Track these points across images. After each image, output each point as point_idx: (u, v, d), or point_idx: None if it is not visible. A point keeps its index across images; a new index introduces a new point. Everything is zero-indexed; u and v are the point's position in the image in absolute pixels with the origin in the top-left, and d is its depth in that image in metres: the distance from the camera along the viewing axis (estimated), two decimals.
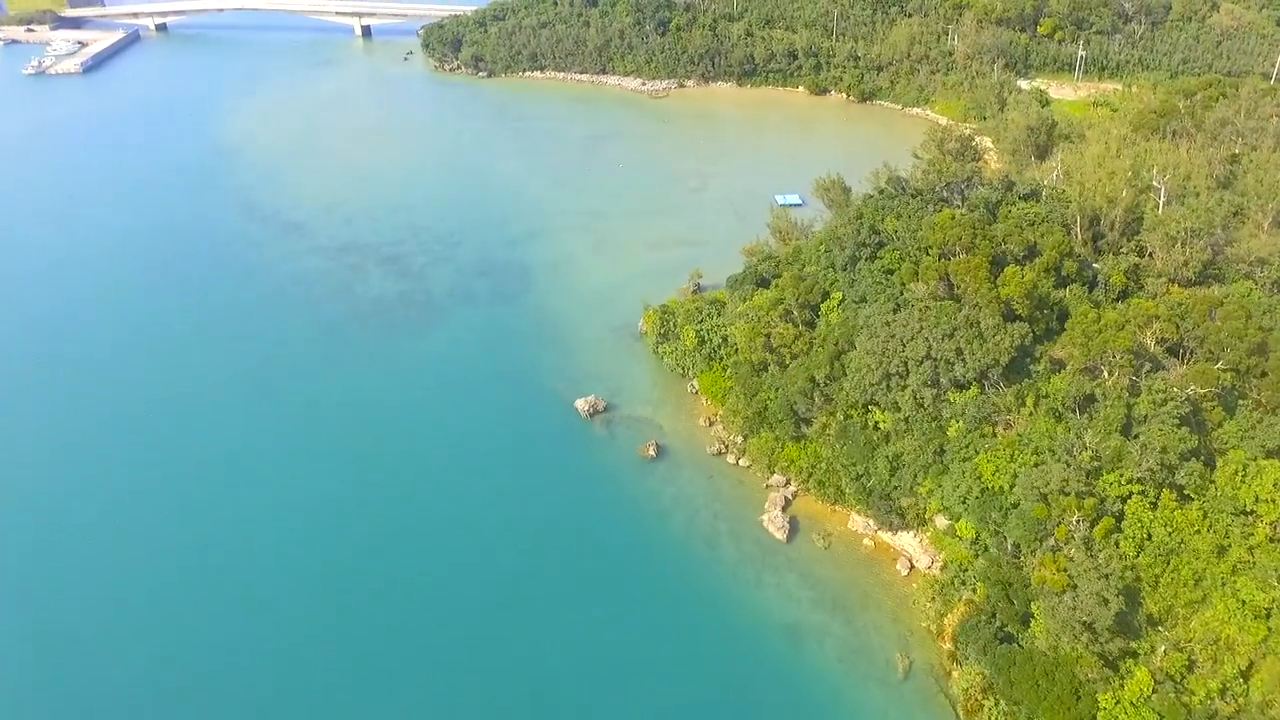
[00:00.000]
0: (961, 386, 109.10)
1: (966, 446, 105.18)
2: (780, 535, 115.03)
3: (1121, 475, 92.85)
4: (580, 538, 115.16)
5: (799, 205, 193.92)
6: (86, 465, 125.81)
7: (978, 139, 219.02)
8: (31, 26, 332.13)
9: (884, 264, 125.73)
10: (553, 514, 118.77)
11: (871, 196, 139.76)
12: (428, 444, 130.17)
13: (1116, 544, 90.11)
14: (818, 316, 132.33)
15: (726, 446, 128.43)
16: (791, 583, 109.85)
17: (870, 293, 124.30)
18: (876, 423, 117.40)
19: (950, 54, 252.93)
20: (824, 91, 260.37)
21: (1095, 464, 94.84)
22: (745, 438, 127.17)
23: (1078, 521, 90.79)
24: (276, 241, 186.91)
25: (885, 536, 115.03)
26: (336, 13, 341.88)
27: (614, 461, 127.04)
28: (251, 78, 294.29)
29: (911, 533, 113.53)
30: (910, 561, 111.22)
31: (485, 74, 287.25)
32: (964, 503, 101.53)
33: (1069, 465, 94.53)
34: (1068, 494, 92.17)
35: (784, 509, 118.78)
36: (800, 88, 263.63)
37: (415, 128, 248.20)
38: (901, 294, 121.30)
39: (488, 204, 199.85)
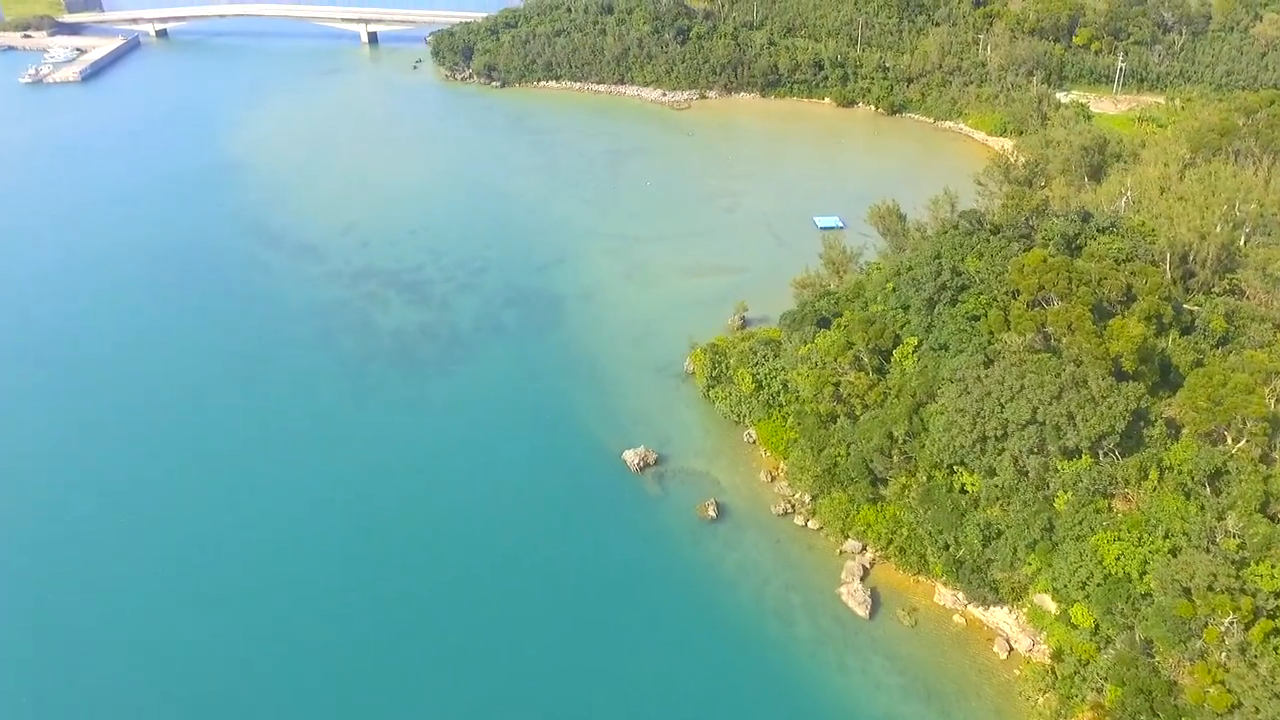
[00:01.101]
0: (1071, 454, 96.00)
1: (1080, 523, 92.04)
2: (861, 610, 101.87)
3: (1275, 567, 79.94)
4: (637, 610, 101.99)
5: (839, 228, 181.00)
6: (89, 524, 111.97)
7: (1015, 156, 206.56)
8: (28, 33, 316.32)
9: (967, 309, 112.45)
10: (604, 582, 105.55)
11: (946, 232, 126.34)
12: (460, 499, 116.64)
13: (1277, 650, 77.21)
14: (888, 363, 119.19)
15: (793, 506, 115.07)
16: (878, 667, 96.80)
17: (953, 340, 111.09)
18: (963, 485, 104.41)
19: (983, 65, 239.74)
20: (851, 103, 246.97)
21: (1241, 553, 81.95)
22: (814, 497, 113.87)
23: (1231, 623, 77.88)
24: (289, 266, 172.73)
25: (977, 612, 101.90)
26: (343, 19, 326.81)
27: (670, 522, 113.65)
28: (256, 87, 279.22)
29: (1006, 609, 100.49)
30: (1008, 643, 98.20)
31: (498, 83, 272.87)
32: (1083, 588, 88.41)
33: (1212, 554, 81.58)
34: (1216, 590, 79.21)
35: (862, 579, 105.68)
36: (826, 99, 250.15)
37: (429, 140, 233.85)
38: (989, 343, 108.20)
39: (511, 225, 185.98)
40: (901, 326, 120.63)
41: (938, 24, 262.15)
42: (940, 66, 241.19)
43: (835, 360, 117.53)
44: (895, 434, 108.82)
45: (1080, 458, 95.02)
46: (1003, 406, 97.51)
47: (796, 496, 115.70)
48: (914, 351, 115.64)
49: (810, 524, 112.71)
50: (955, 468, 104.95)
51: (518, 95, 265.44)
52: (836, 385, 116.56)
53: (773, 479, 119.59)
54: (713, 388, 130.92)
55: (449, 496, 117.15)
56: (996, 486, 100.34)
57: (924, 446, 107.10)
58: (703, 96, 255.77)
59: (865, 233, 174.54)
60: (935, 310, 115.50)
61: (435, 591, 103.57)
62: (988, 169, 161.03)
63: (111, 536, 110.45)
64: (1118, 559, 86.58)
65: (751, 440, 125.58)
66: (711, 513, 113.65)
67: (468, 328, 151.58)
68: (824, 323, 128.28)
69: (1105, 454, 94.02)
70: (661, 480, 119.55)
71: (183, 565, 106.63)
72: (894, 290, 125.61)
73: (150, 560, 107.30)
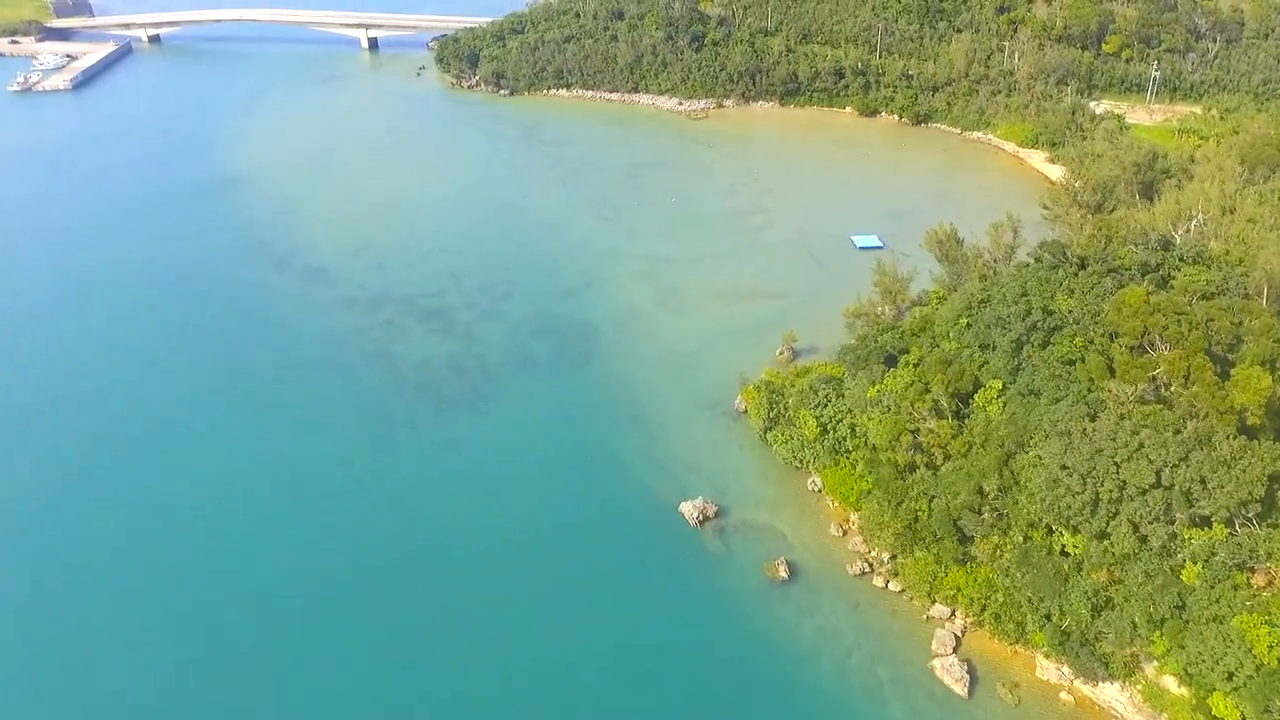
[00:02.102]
0: (1200, 521, 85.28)
1: (1217, 600, 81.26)
2: (959, 687, 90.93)
3: None
4: (705, 685, 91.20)
5: (879, 248, 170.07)
6: (89, 583, 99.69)
7: (1071, 178, 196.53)
8: (16, 38, 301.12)
9: (1061, 352, 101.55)
10: (666, 651, 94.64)
11: (1028, 265, 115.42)
12: (501, 557, 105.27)
13: None
14: (965, 407, 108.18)
15: (871, 565, 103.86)
16: None
17: (1046, 387, 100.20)
18: (1064, 547, 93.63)
19: (1011, 74, 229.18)
20: (874, 113, 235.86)
21: None
22: (894, 556, 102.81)
23: None
24: (298, 291, 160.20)
25: (1084, 689, 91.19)
26: (342, 24, 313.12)
27: (737, 583, 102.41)
28: (254, 95, 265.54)
29: (1117, 685, 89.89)
30: None
31: (507, 92, 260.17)
32: (1230, 679, 77.64)
33: None
34: None
35: (955, 650, 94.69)
36: (848, 108, 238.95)
37: (438, 152, 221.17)
38: (1089, 391, 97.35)
39: (532, 244, 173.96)
40: (980, 367, 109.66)
41: (960, 30, 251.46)
42: (966, 75, 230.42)
43: (912, 406, 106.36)
44: (985, 489, 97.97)
45: (1211, 526, 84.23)
46: (1119, 466, 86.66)
47: (874, 554, 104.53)
48: (998, 396, 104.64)
49: (891, 585, 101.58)
50: (1055, 528, 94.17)
51: (527, 104, 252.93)
52: (914, 433, 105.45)
53: (844, 533, 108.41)
54: (770, 429, 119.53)
55: (489, 553, 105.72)
56: (1108, 552, 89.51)
57: (1018, 503, 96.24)
58: (720, 105, 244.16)
59: (906, 253, 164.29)
60: (1023, 353, 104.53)
61: (475, 664, 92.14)
62: (1053, 192, 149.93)
63: (115, 600, 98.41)
64: (1270, 648, 75.73)
65: (817, 489, 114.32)
66: (782, 572, 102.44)
67: (496, 360, 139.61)
68: (890, 360, 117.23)
69: (1241, 523, 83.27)
70: (723, 535, 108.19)
71: (195, 646, 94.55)
72: (968, 326, 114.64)
73: (161, 633, 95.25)
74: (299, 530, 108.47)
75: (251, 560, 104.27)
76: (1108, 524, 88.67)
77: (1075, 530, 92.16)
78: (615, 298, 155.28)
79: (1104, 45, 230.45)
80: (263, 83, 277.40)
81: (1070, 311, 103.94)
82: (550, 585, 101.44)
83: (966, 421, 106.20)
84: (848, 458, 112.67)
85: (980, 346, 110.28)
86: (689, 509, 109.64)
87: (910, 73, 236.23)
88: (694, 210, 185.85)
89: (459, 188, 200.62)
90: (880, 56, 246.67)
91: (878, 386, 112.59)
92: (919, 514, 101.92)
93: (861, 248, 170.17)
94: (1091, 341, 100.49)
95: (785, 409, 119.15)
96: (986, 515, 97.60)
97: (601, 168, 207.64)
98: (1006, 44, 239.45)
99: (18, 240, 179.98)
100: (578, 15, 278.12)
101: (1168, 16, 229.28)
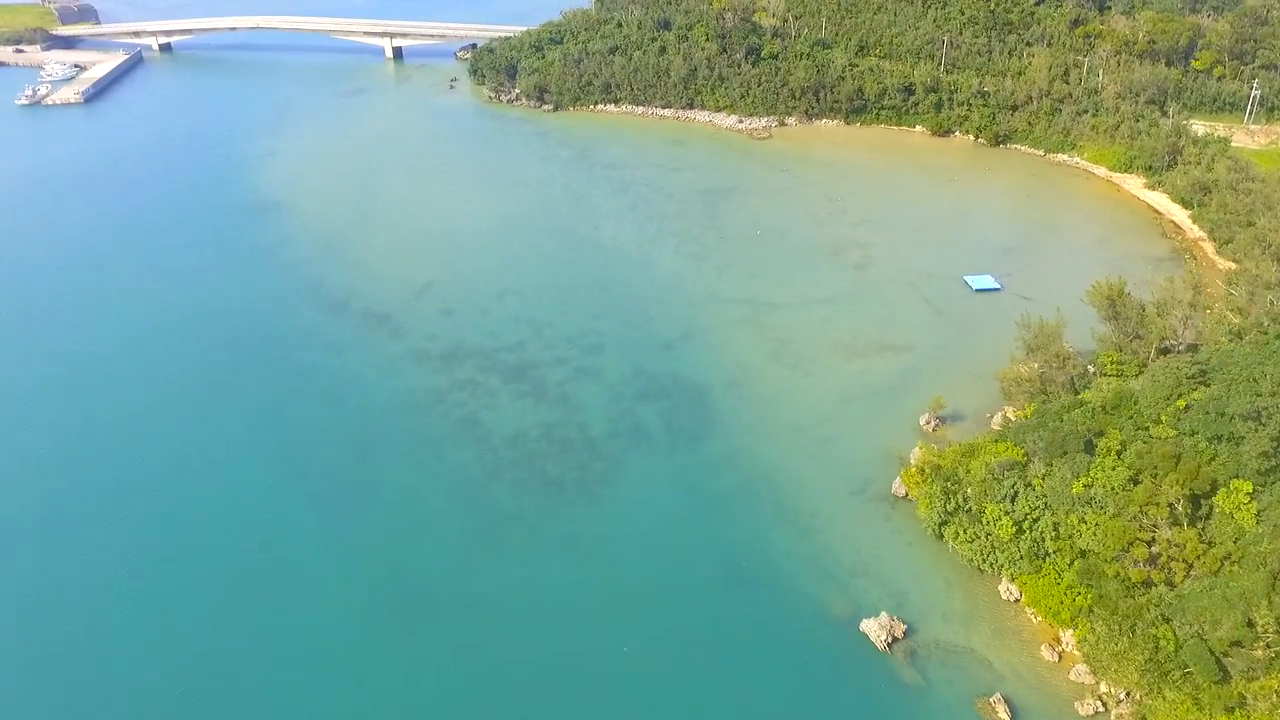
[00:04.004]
0: None
1: None
2: None
3: None
4: None
5: (995, 290, 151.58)
6: None
7: (1161, 201, 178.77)
8: (20, 47, 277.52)
9: None
10: None
11: (1265, 330, 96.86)
12: (647, 687, 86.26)
13: None
14: (1196, 508, 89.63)
15: (1105, 704, 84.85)
16: None
17: None
18: None
19: (1096, 92, 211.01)
20: (947, 132, 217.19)
21: None
22: (1133, 693, 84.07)
23: None
24: (362, 342, 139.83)
25: None
26: (365, 33, 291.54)
27: None
28: (278, 110, 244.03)
29: None
30: None
31: (550, 107, 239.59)
32: None
33: None
34: None
35: None
36: (918, 127, 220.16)
37: (487, 175, 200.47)
38: None
39: (615, 286, 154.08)
40: (1210, 461, 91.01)
41: (1030, 44, 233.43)
42: (1048, 93, 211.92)
43: (1141, 510, 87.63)
44: (1255, 620, 79.38)
45: None
46: None
47: (1106, 690, 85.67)
48: (1249, 499, 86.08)
49: None
50: None
51: (574, 121, 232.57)
52: (1149, 543, 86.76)
53: (1059, 656, 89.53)
54: (945, 524, 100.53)
55: (631, 682, 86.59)
56: None
57: None
58: (782, 124, 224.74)
59: (1027, 296, 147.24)
60: None
61: None
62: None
63: None
64: None
65: (1013, 599, 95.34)
66: (1002, 714, 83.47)
67: (602, 431, 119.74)
68: (1086, 445, 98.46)
69: None
70: (918, 660, 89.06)
71: None
72: (1186, 409, 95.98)
73: None
74: (411, 664, 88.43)
75: (354, 713, 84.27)
76: None
77: None
78: (722, 352, 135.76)
79: (1193, 61, 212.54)
80: (286, 96, 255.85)
81: None
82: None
83: (1205, 528, 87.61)
84: (1051, 564, 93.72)
85: (1213, 438, 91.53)
86: (874, 628, 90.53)
87: (986, 90, 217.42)
88: (784, 245, 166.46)
89: (518, 217, 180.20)
90: (946, 71, 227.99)
91: (1083, 480, 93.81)
92: (1159, 641, 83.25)
93: (977, 290, 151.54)
94: None
95: (964, 500, 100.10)
96: (1260, 652, 79.05)
97: (671, 194, 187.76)
98: (1084, 60, 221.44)
99: (39, 275, 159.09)
100: (620, 25, 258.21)
101: (1263, 30, 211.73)
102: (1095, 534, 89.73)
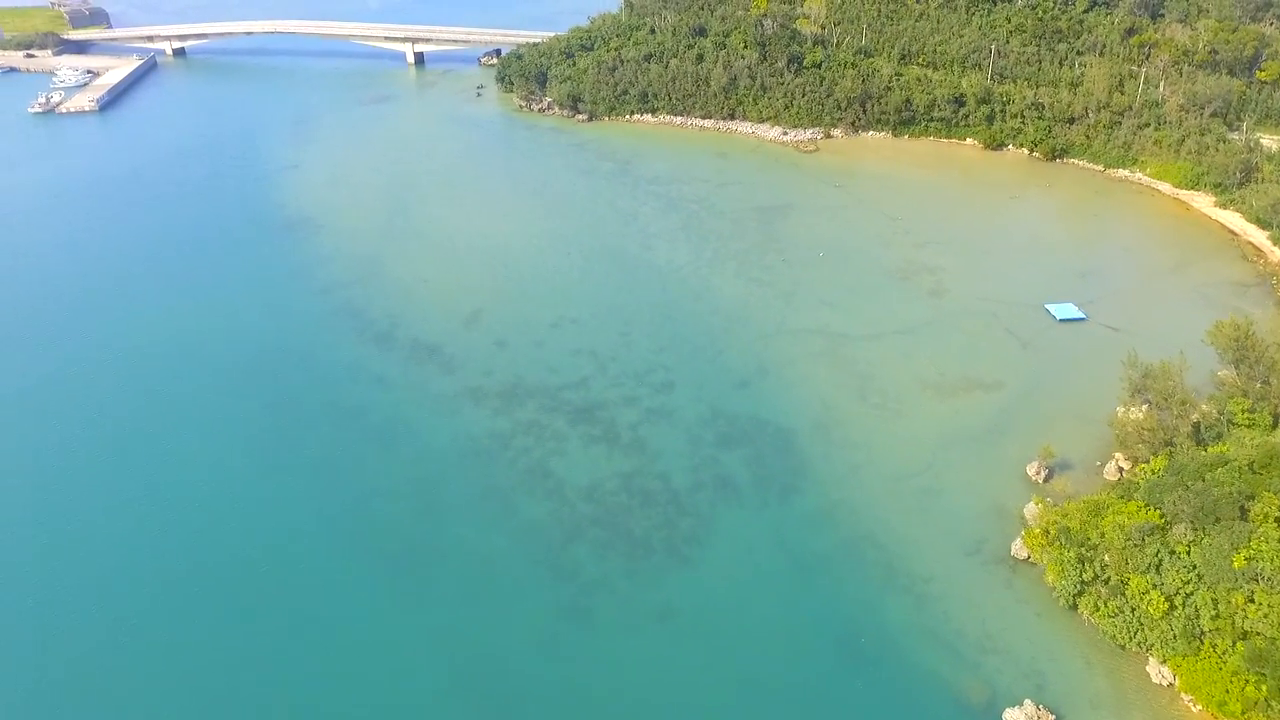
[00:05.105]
0: None
1: None
2: None
3: None
4: None
5: (1080, 320, 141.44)
6: None
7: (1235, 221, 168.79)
8: (31, 52, 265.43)
9: None
10: None
11: None
12: None
13: None
14: None
15: None
16: None
17: None
18: None
19: (1157, 104, 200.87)
20: (1000, 146, 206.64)
21: None
22: None
23: None
24: (411, 377, 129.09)
25: None
26: (386, 38, 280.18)
27: None
28: (300, 118, 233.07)
29: None
30: None
31: (585, 116, 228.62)
32: None
33: None
34: None
35: None
36: (969, 140, 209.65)
37: (526, 190, 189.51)
38: None
39: (677, 315, 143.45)
40: None
41: (1081, 53, 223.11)
42: (1107, 105, 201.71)
43: None
44: None
45: None
46: None
47: None
48: None
49: None
50: None
51: (610, 131, 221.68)
52: None
53: None
54: (1081, 594, 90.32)
55: None
56: None
57: None
58: (827, 135, 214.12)
59: (1114, 325, 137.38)
60: None
61: None
62: None
63: None
64: None
65: (1166, 683, 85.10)
66: None
67: (685, 483, 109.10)
68: (1241, 511, 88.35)
69: None
70: None
71: None
72: None
73: None
74: None
75: None
76: None
77: None
78: (802, 390, 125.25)
79: (1259, 72, 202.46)
80: (307, 103, 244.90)
81: None
82: None
83: None
84: (1211, 645, 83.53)
85: None
86: (1017, 718, 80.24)
87: (1040, 101, 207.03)
88: (850, 268, 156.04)
89: (564, 236, 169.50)
90: (993, 80, 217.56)
91: (1244, 552, 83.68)
92: None
93: (1061, 319, 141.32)
94: None
95: (1101, 568, 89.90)
96: None
97: (723, 212, 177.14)
98: (1139, 70, 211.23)
99: (56, 295, 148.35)
100: (653, 31, 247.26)
101: None
102: (1268, 615, 79.53)
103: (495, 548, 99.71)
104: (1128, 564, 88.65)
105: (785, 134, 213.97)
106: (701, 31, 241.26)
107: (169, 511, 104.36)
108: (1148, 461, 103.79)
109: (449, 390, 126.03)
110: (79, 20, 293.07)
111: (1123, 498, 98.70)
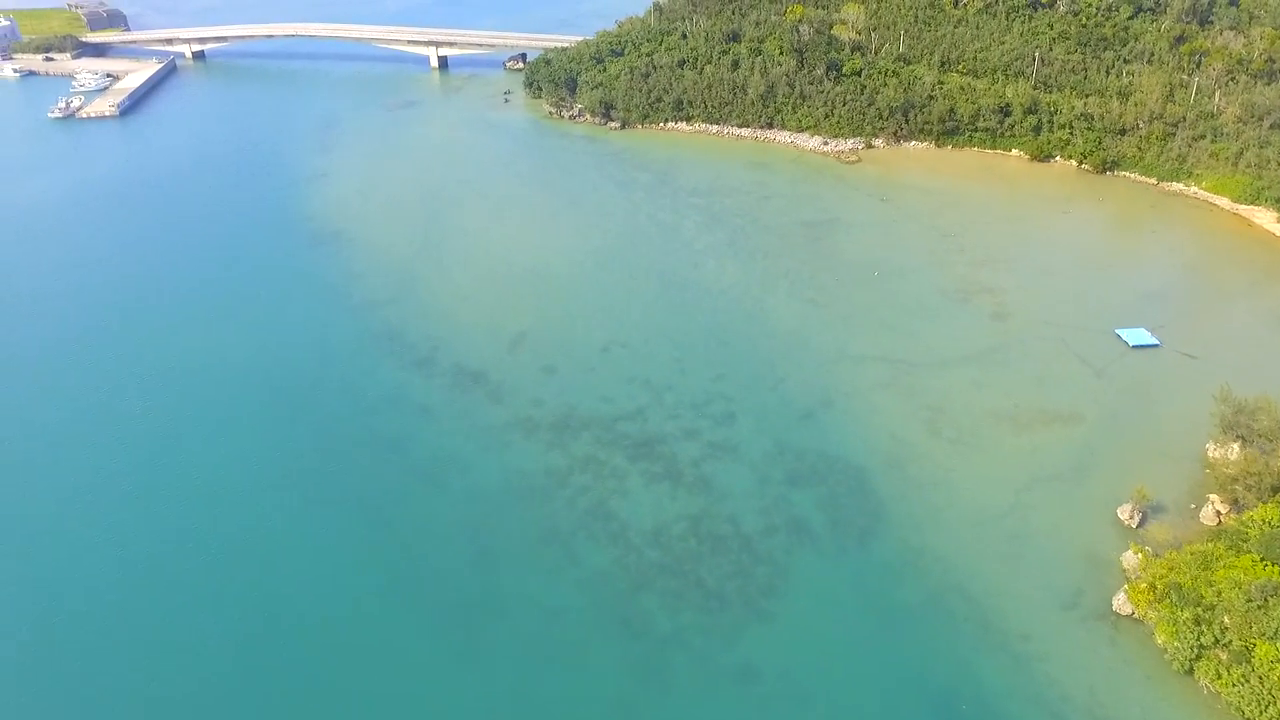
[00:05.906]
0: None
1: None
2: None
3: None
4: None
5: (1154, 346, 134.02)
6: None
7: None
8: (50, 55, 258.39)
9: None
10: None
11: None
12: None
13: None
14: None
15: None
16: None
17: None
18: None
19: (1213, 115, 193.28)
20: (1047, 157, 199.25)
21: None
22: None
23: None
24: (457, 407, 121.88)
25: None
26: (409, 41, 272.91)
27: None
28: (324, 124, 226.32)
29: None
30: None
31: (617, 124, 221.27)
32: None
33: None
34: None
35: None
36: (1015, 151, 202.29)
37: (562, 203, 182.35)
38: None
39: (733, 340, 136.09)
40: None
41: (1128, 61, 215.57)
42: (1161, 116, 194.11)
43: None
44: None
45: None
46: None
47: None
48: None
49: None
50: None
51: (645, 140, 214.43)
52: None
53: None
54: (1198, 659, 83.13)
55: None
56: None
57: None
58: (869, 145, 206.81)
59: (1191, 353, 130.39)
60: None
61: None
62: None
63: None
64: None
65: None
66: None
67: (756, 526, 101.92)
68: None
69: None
70: None
71: None
72: None
73: None
74: None
75: None
76: None
77: None
78: (870, 422, 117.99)
79: None
80: (331, 108, 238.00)
81: None
82: None
83: None
84: None
85: None
86: None
87: (1089, 112, 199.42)
88: (906, 288, 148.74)
89: (606, 252, 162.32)
90: (1037, 89, 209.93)
91: None
92: None
93: (1134, 346, 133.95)
94: None
95: (1222, 632, 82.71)
96: None
97: (769, 226, 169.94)
98: (1190, 79, 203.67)
99: (87, 316, 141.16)
100: (685, 36, 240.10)
101: None
102: None
103: (556, 598, 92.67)
104: (1252, 628, 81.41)
105: (826, 144, 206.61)
106: (735, 37, 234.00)
107: (197, 558, 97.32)
108: (1252, 508, 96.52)
109: (498, 421, 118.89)
110: (97, 22, 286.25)
111: (1231, 549, 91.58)
